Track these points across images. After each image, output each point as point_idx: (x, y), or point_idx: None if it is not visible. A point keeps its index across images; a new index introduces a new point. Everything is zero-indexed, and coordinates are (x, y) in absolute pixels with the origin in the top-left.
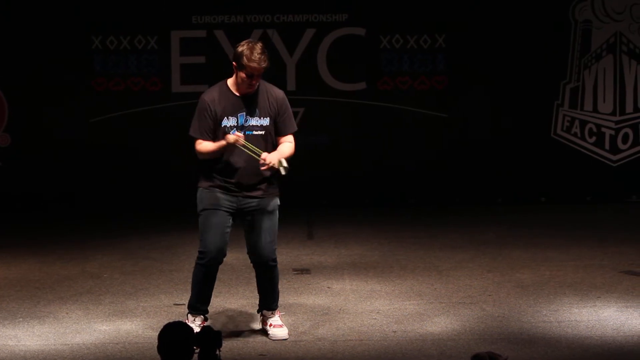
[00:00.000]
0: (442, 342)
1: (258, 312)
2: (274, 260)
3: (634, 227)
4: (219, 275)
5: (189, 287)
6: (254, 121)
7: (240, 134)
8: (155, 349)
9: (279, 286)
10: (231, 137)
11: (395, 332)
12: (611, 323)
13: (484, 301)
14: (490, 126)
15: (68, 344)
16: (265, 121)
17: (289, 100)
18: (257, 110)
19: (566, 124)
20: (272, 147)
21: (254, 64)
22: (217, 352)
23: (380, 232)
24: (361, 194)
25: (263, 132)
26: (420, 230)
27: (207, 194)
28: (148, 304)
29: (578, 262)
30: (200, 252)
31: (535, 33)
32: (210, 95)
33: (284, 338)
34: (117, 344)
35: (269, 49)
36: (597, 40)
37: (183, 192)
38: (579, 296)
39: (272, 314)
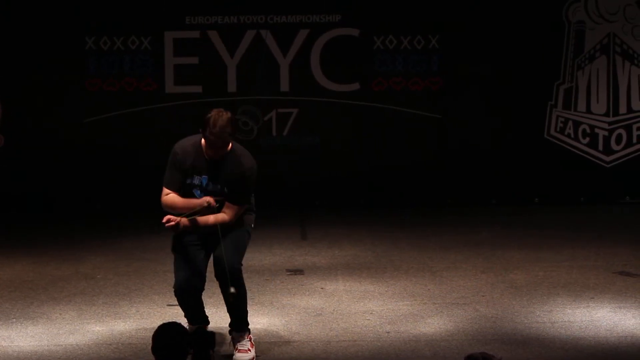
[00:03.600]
0: (436, 343)
1: (229, 333)
2: (238, 270)
3: (628, 228)
4: (212, 276)
5: None
6: (212, 187)
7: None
8: (149, 349)
9: (248, 307)
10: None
11: (388, 332)
12: (605, 324)
13: (477, 302)
14: (484, 127)
15: (61, 345)
16: (225, 189)
17: (285, 101)
18: (219, 177)
19: (560, 124)
20: None
21: (212, 137)
22: (211, 353)
23: (374, 233)
24: (355, 195)
25: (222, 199)
26: (414, 231)
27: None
28: (142, 305)
29: (572, 262)
30: (174, 288)
31: (529, 34)
32: (184, 148)
33: None
34: (110, 344)
35: (262, 50)
36: (590, 41)
37: None
38: (573, 297)
39: (240, 337)
